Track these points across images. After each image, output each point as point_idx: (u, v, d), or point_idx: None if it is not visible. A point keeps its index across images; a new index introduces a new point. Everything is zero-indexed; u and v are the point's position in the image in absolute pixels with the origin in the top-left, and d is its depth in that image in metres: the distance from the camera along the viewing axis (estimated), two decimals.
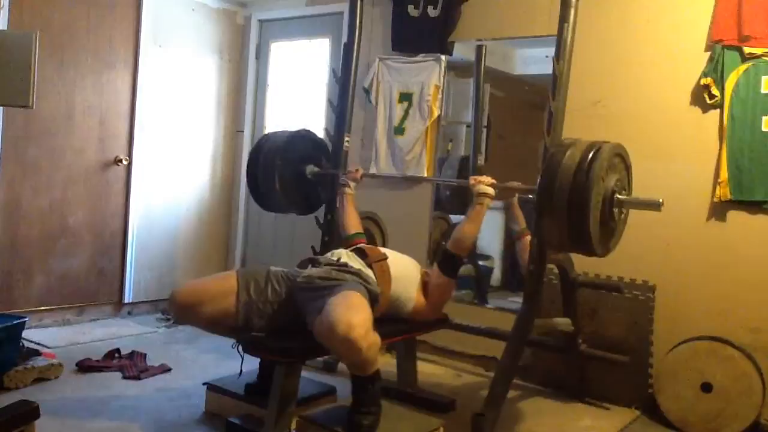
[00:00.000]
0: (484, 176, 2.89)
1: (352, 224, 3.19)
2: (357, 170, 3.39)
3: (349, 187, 3.30)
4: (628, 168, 2.63)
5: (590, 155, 2.43)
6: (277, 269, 2.69)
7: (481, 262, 4.33)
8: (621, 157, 2.59)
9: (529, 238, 3.04)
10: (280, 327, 2.57)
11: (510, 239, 3.43)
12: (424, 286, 2.86)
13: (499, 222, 4.26)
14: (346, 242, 3.08)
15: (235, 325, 2.55)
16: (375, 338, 2.27)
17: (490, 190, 2.82)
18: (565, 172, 2.42)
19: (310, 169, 3.55)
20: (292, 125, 4.83)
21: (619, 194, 2.49)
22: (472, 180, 2.90)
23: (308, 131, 3.65)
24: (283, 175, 3.44)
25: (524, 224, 3.18)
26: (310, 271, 2.60)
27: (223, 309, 2.54)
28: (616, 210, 2.50)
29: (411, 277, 2.83)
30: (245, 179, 3.74)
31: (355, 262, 2.67)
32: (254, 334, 2.53)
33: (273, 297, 2.58)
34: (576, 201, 2.39)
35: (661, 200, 2.42)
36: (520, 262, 3.22)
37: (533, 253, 2.90)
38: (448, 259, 2.82)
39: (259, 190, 3.53)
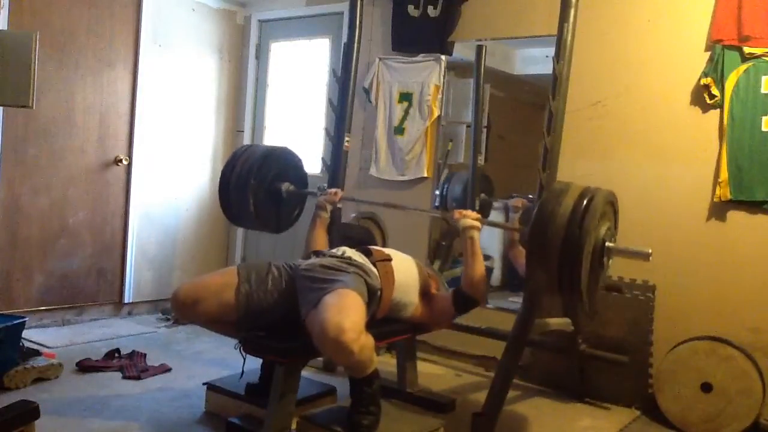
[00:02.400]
0: (469, 210, 2.81)
1: (318, 243, 3.08)
2: (335, 192, 3.24)
3: (325, 210, 3.17)
4: (616, 213, 2.59)
5: (583, 206, 2.36)
6: (279, 262, 2.69)
7: None
8: (611, 204, 2.54)
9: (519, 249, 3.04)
10: (281, 317, 2.56)
11: (506, 248, 3.44)
12: (428, 292, 2.84)
13: (494, 216, 4.26)
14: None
15: (236, 318, 2.55)
16: (367, 340, 2.27)
17: (476, 223, 2.74)
18: (557, 223, 2.35)
19: (286, 187, 3.38)
20: (292, 125, 4.89)
21: (609, 242, 2.45)
22: (456, 213, 2.80)
23: (285, 148, 3.51)
24: (257, 196, 3.29)
25: (518, 236, 3.17)
26: (313, 260, 2.61)
27: (224, 303, 2.54)
28: (605, 258, 2.46)
29: (414, 283, 2.80)
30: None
31: (360, 258, 2.67)
32: (255, 335, 2.53)
33: (273, 286, 2.58)
34: (568, 254, 2.33)
35: (650, 251, 2.39)
36: (518, 269, 3.24)
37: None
38: (462, 299, 2.73)
39: (232, 210, 3.39)
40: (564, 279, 2.36)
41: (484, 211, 4.15)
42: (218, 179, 3.44)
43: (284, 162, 3.45)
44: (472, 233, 2.72)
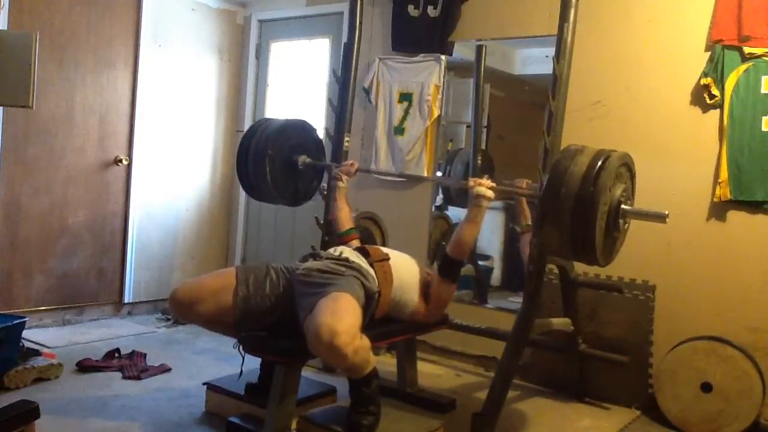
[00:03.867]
0: (484, 178, 2.82)
1: (344, 220, 3.14)
2: (351, 164, 3.31)
3: (342, 180, 3.22)
4: (633, 177, 2.59)
5: (598, 164, 2.36)
6: (278, 264, 2.69)
7: (481, 262, 4.33)
8: (627, 166, 2.54)
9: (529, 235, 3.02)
10: (278, 320, 2.56)
11: (512, 238, 3.40)
12: (425, 289, 2.84)
13: (499, 222, 4.26)
14: (339, 239, 3.05)
15: (234, 320, 2.55)
16: (362, 343, 2.27)
17: (489, 193, 2.75)
18: (572, 180, 2.35)
19: (303, 159, 3.44)
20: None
21: (625, 204, 2.45)
22: (471, 181, 2.81)
23: (303, 121, 3.57)
24: (274, 165, 3.33)
25: (530, 220, 3.16)
26: (310, 263, 2.60)
27: (222, 305, 2.54)
28: (621, 221, 2.46)
29: (412, 281, 2.80)
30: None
31: (357, 259, 2.66)
32: (255, 334, 2.53)
33: (271, 290, 2.57)
34: (582, 210, 2.33)
35: (666, 212, 2.39)
36: (524, 259, 3.21)
37: (532, 254, 2.88)
38: (448, 263, 2.77)
39: (249, 180, 3.43)
40: (577, 237, 2.36)
41: None
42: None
43: (301, 134, 3.50)
44: (481, 201, 2.74)
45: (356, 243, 2.99)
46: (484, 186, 2.76)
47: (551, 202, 2.41)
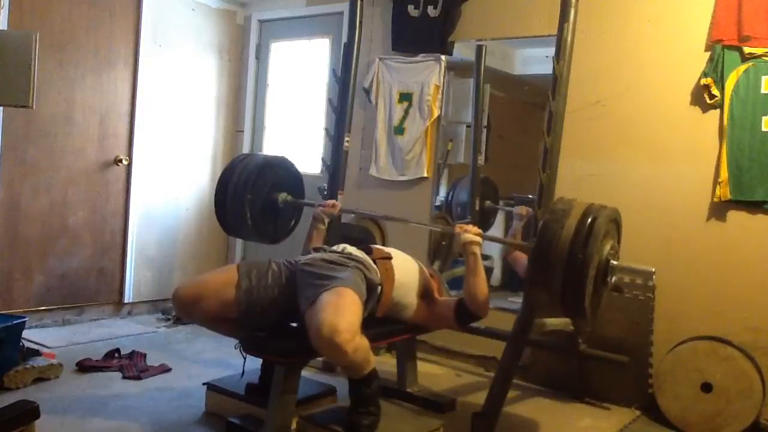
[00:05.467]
0: (470, 225, 2.77)
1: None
2: (333, 204, 3.18)
3: (323, 222, 3.12)
4: (619, 229, 2.57)
5: (586, 228, 2.33)
6: (280, 259, 2.69)
7: None
8: (615, 221, 2.52)
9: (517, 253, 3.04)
10: (282, 313, 2.57)
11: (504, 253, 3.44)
12: (428, 294, 2.83)
13: (499, 222, 4.26)
14: None
15: (237, 315, 2.55)
16: (362, 341, 2.27)
17: (477, 239, 2.68)
18: (560, 247, 2.33)
19: (283, 197, 3.35)
20: (292, 125, 4.89)
21: (613, 259, 2.44)
22: (457, 228, 2.75)
23: (283, 158, 3.48)
24: (253, 208, 3.25)
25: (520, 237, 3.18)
26: (315, 254, 2.62)
27: (226, 300, 2.54)
28: (608, 277, 2.45)
29: (414, 284, 2.80)
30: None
31: (360, 254, 2.66)
32: (255, 335, 2.53)
33: (273, 281, 2.58)
34: (572, 278, 2.31)
35: (653, 270, 2.39)
36: (517, 270, 3.24)
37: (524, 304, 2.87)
38: (465, 314, 2.70)
39: (227, 221, 3.36)
40: (567, 300, 2.36)
41: (488, 218, 4.16)
42: (218, 179, 3.43)
43: (281, 172, 3.41)
44: (473, 248, 2.66)
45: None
46: (470, 233, 2.69)
47: (541, 269, 2.39)
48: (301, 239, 3.23)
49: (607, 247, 2.42)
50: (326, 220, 3.14)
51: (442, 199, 4.33)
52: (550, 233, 2.38)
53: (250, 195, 3.24)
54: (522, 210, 3.06)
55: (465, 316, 2.71)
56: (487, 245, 2.90)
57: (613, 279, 2.47)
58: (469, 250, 2.66)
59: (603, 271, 2.40)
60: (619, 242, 2.59)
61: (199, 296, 2.57)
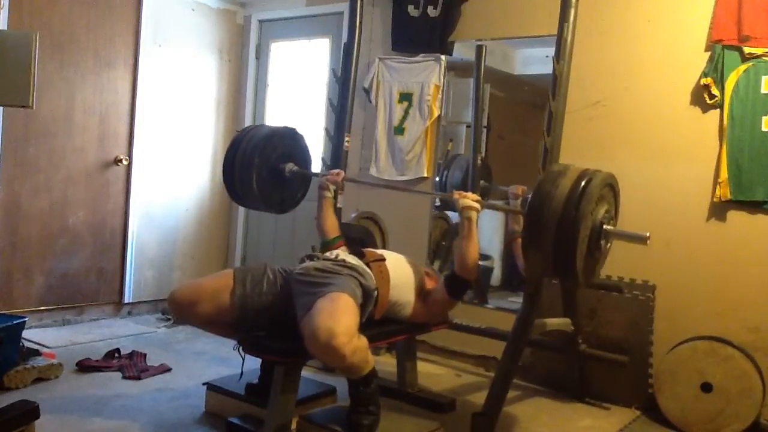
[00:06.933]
0: (469, 192, 2.79)
1: (331, 229, 3.06)
2: (338, 173, 3.20)
3: (328, 190, 3.12)
4: (616, 196, 2.57)
5: (580, 188, 2.34)
6: (275, 266, 2.70)
7: (481, 262, 4.32)
8: (611, 186, 2.52)
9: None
10: (276, 319, 2.57)
11: (508, 240, 3.41)
12: (424, 290, 2.83)
13: (499, 222, 4.25)
14: (326, 248, 2.96)
15: (231, 320, 2.56)
16: (359, 343, 2.27)
17: (475, 204, 2.70)
18: (553, 205, 2.33)
19: (290, 167, 3.34)
20: (292, 125, 4.88)
21: (608, 225, 2.43)
22: (455, 194, 2.76)
23: (291, 128, 3.48)
24: (260, 174, 3.25)
25: (518, 228, 3.16)
26: (307, 263, 2.61)
27: (221, 305, 2.56)
28: (602, 241, 2.44)
29: (409, 282, 2.80)
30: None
31: (353, 260, 2.67)
32: (254, 335, 2.53)
33: (268, 289, 2.59)
34: (563, 237, 2.31)
35: (647, 234, 2.38)
36: (518, 263, 3.22)
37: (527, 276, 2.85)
38: (454, 281, 2.73)
39: (235, 188, 3.36)
40: (559, 261, 2.35)
41: (484, 197, 4.14)
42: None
43: (289, 142, 3.42)
44: (470, 213, 2.68)
45: (344, 249, 2.98)
46: (469, 198, 2.71)
47: (533, 228, 2.40)
48: (308, 217, 3.20)
49: (602, 211, 2.41)
50: (332, 188, 3.14)
51: (437, 180, 4.29)
52: (544, 192, 2.38)
53: (258, 159, 3.24)
54: (517, 189, 3.06)
55: (455, 285, 2.73)
56: (487, 245, 2.90)
57: (608, 245, 2.46)
58: (465, 215, 2.69)
59: (596, 235, 2.39)
60: (616, 210, 2.58)
61: (195, 300, 2.58)
